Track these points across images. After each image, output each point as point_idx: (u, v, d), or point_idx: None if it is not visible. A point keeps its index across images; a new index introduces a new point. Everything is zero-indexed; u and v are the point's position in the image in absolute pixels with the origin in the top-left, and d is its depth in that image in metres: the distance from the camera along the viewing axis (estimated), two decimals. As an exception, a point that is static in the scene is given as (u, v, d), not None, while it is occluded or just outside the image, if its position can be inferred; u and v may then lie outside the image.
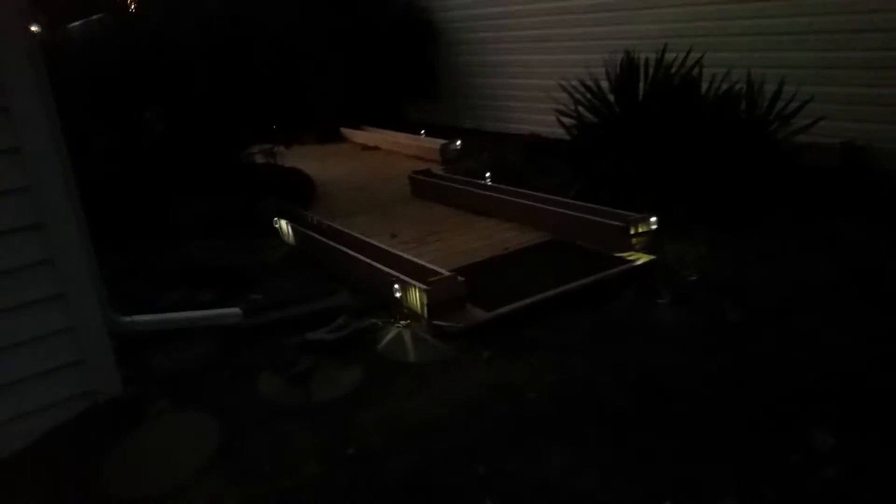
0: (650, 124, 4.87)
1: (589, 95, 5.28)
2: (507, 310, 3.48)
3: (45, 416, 2.81)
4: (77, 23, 7.17)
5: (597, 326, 3.34)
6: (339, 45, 8.14)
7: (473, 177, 6.12)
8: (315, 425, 2.69)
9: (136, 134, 5.84)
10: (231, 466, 2.53)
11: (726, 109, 4.86)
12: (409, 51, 8.90)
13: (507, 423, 2.65)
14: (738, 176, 4.49)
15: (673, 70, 5.00)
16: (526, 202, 5.00)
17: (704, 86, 4.95)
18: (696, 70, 4.96)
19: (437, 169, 6.72)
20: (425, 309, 3.44)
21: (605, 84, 5.28)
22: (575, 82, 5.31)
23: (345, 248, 4.27)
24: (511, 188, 5.38)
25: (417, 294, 3.48)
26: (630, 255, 4.04)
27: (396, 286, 3.59)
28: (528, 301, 3.55)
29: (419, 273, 3.72)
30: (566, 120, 5.39)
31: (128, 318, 3.12)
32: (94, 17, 6.76)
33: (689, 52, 5.01)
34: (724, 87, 4.90)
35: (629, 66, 5.17)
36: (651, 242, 4.13)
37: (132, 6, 7.08)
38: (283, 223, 5.10)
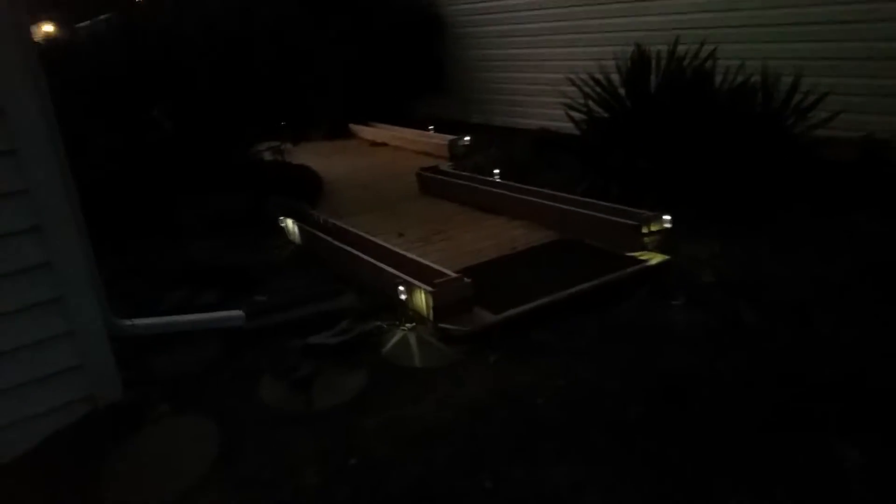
0: (662, 118, 4.77)
1: (599, 89, 5.18)
2: (515, 312, 3.40)
3: (45, 420, 2.77)
4: (85, 22, 7.16)
5: (607, 329, 3.26)
6: (345, 41, 8.08)
7: (482, 173, 6.04)
8: (317, 432, 2.62)
9: (143, 132, 5.80)
10: (231, 474, 2.48)
11: (741, 103, 4.74)
12: (416, 45, 8.83)
13: (514, 429, 2.57)
14: (754, 171, 4.37)
15: (685, 63, 4.90)
16: (534, 199, 4.91)
17: (718, 79, 4.84)
18: (709, 62, 4.85)
19: (445, 165, 6.64)
20: (431, 311, 3.36)
21: (615, 78, 5.18)
22: (585, 76, 5.22)
23: (350, 248, 4.20)
24: (519, 185, 5.29)
25: (423, 296, 3.41)
26: (642, 255, 3.95)
27: (401, 288, 3.51)
28: (536, 303, 3.47)
29: (425, 274, 3.65)
30: (576, 115, 5.29)
31: (128, 322, 3.07)
32: (102, 17, 6.74)
33: (702, 45, 4.92)
34: (739, 79, 4.79)
35: (640, 59, 5.08)
36: (664, 241, 4.03)
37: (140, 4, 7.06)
38: (289, 222, 5.04)
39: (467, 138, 7.35)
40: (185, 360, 3.16)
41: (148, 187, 5.27)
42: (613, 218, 4.22)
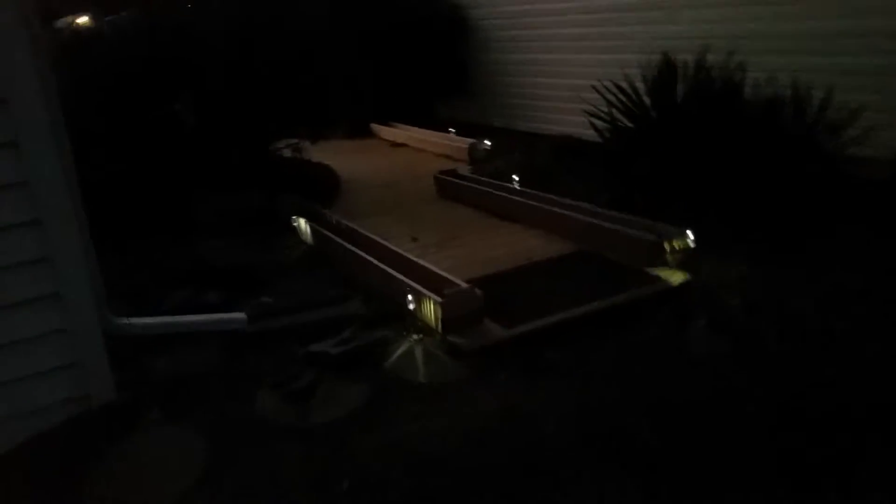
0: (689, 130, 4.60)
1: (623, 98, 5.03)
2: (528, 328, 3.27)
3: (34, 419, 2.69)
4: (112, 16, 7.13)
5: (625, 351, 3.10)
6: (371, 40, 8.00)
7: (501, 178, 5.91)
8: (312, 449, 2.50)
9: (162, 128, 5.75)
10: (218, 490, 2.36)
11: (770, 116, 4.57)
12: (441, 47, 8.72)
13: (521, 457, 2.43)
14: (784, 188, 4.20)
15: (713, 73, 4.73)
16: (554, 209, 4.77)
17: (747, 91, 4.67)
18: (738, 74, 4.69)
19: (465, 169, 6.51)
20: (439, 323, 3.24)
21: (640, 86, 5.03)
22: (609, 83, 5.07)
23: (360, 252, 4.09)
24: (539, 193, 5.15)
25: (432, 306, 3.28)
26: (664, 273, 3.80)
27: (410, 297, 3.39)
28: (550, 319, 3.33)
29: (436, 282, 3.53)
30: (599, 123, 5.15)
31: (126, 321, 2.98)
32: (123, 12, 6.70)
33: (730, 55, 4.75)
34: (769, 92, 4.62)
35: (667, 69, 4.92)
36: (687, 259, 3.87)
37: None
38: (302, 222, 4.94)
39: (488, 142, 7.23)
40: (183, 362, 3.06)
41: (163, 183, 5.21)
42: (634, 232, 4.07)
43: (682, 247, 3.93)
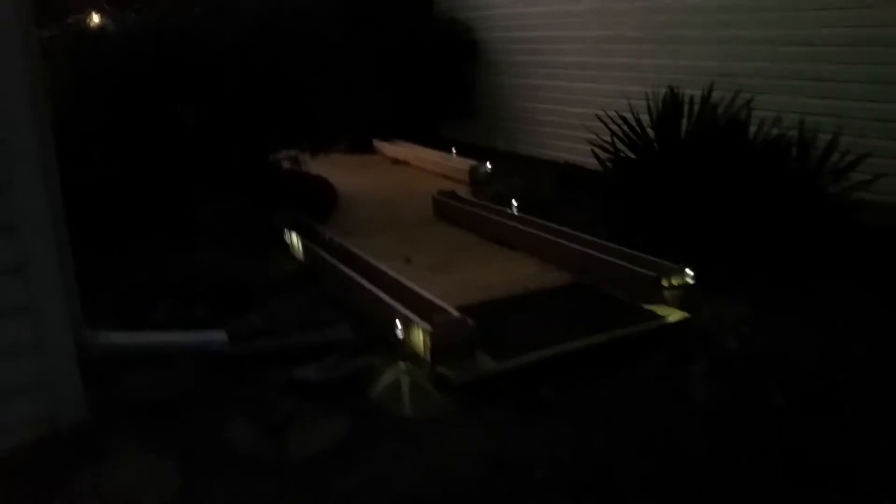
0: (692, 166, 4.54)
1: (626, 129, 4.97)
2: (520, 361, 3.16)
3: (-6, 439, 2.54)
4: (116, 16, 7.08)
5: (620, 392, 3.00)
6: (379, 57, 7.96)
7: (500, 203, 5.83)
8: (284, 487, 2.37)
9: (163, 129, 5.67)
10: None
11: (775, 157, 4.51)
12: (449, 68, 8.72)
13: (505, 506, 2.32)
14: (787, 231, 4.12)
15: (719, 110, 4.68)
16: (553, 238, 4.68)
17: (752, 129, 4.61)
18: (744, 112, 4.63)
19: (464, 191, 6.43)
20: (428, 352, 3.13)
21: (644, 118, 4.97)
22: (614, 114, 5.01)
23: (351, 272, 3.99)
24: (538, 220, 5.06)
25: (421, 335, 3.17)
26: (661, 310, 3.70)
27: (399, 324, 3.28)
28: (543, 353, 3.23)
29: (426, 309, 3.42)
30: (601, 154, 5.08)
31: (102, 336, 2.86)
32: (130, 11, 6.65)
33: (737, 93, 4.70)
34: (774, 132, 4.56)
35: (672, 103, 4.86)
36: (686, 297, 3.78)
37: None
38: (294, 236, 4.84)
39: (489, 165, 7.16)
40: (160, 382, 2.93)
41: (159, 186, 5.12)
42: (633, 267, 3.98)
43: (681, 284, 3.84)
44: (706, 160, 4.49)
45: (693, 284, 3.83)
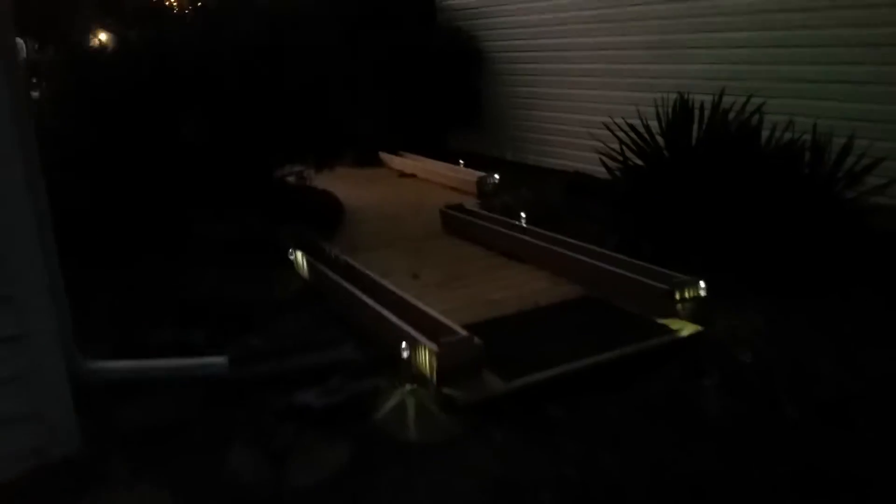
0: (703, 174, 4.43)
1: (635, 137, 4.86)
2: (528, 381, 3.06)
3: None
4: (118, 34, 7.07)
5: (632, 410, 2.90)
6: (385, 68, 7.91)
7: (509, 214, 5.74)
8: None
9: (165, 146, 5.63)
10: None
11: (788, 163, 4.39)
12: (454, 78, 8.64)
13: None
14: (801, 238, 4.00)
15: (730, 116, 4.57)
16: (562, 250, 4.57)
17: (764, 135, 4.50)
18: (755, 117, 4.51)
19: (472, 203, 6.34)
20: (434, 374, 3.04)
21: (653, 125, 4.87)
22: (624, 122, 4.91)
23: (355, 290, 3.90)
24: (547, 233, 4.95)
25: (427, 355, 3.08)
26: (674, 323, 3.59)
27: (404, 344, 3.19)
28: (552, 372, 3.12)
29: (433, 327, 3.33)
30: (610, 163, 4.98)
31: (97, 364, 2.78)
32: (133, 29, 6.64)
33: (749, 98, 4.58)
34: (787, 137, 4.45)
35: (682, 109, 4.76)
36: (699, 310, 3.66)
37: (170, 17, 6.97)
38: (299, 254, 4.77)
39: (497, 176, 7.07)
40: (157, 410, 2.85)
41: (162, 203, 5.07)
42: (645, 279, 3.87)
43: (693, 296, 3.73)
44: (717, 167, 4.38)
45: (706, 296, 3.71)
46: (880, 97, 4.77)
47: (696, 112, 4.69)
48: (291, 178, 6.34)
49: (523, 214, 5.54)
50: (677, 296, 3.69)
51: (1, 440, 2.46)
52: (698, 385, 3.11)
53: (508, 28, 8.20)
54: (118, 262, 4.40)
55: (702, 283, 3.72)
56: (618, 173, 4.97)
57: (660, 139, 4.81)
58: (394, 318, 3.45)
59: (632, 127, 4.88)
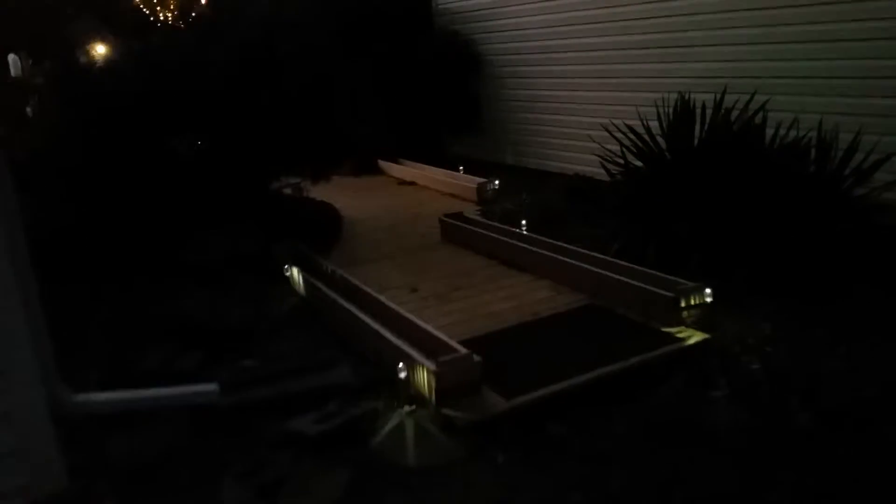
0: (706, 175, 4.32)
1: (633, 137, 4.76)
2: (530, 398, 2.95)
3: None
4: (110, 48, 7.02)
5: (637, 425, 2.80)
6: (381, 74, 7.81)
7: (509, 221, 5.64)
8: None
9: (157, 162, 5.55)
10: None
11: (793, 161, 4.28)
12: (452, 83, 8.55)
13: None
14: (808, 239, 3.88)
15: (733, 115, 4.46)
16: (563, 258, 4.47)
17: (769, 133, 4.38)
18: (759, 116, 4.40)
19: (472, 211, 6.25)
20: (433, 394, 2.93)
21: (654, 125, 4.76)
22: (623, 123, 4.80)
23: (352, 308, 3.80)
24: (547, 240, 4.85)
25: (425, 375, 2.98)
26: (680, 332, 3.48)
27: (401, 365, 3.08)
28: (555, 388, 3.02)
29: (432, 345, 3.23)
30: (610, 166, 4.87)
31: (83, 398, 2.68)
32: (124, 43, 6.57)
33: (752, 96, 4.47)
34: (792, 135, 4.33)
35: (683, 109, 4.65)
36: (705, 317, 3.55)
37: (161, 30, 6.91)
38: (295, 271, 4.67)
39: (497, 182, 6.97)
40: (146, 442, 2.75)
41: (154, 222, 4.97)
42: (649, 287, 3.76)
43: (699, 303, 3.62)
44: (720, 167, 4.27)
45: (712, 303, 3.60)
46: (888, 91, 4.63)
47: (698, 112, 4.59)
48: (288, 190, 6.25)
49: (524, 222, 5.45)
50: (683, 303, 3.57)
51: (-19, 480, 2.36)
52: (707, 396, 3.00)
53: (506, 31, 8.10)
54: (108, 282, 4.30)
55: (707, 290, 3.61)
56: (619, 176, 4.87)
57: (661, 141, 4.71)
58: (391, 337, 3.35)
59: (631, 128, 4.77)
